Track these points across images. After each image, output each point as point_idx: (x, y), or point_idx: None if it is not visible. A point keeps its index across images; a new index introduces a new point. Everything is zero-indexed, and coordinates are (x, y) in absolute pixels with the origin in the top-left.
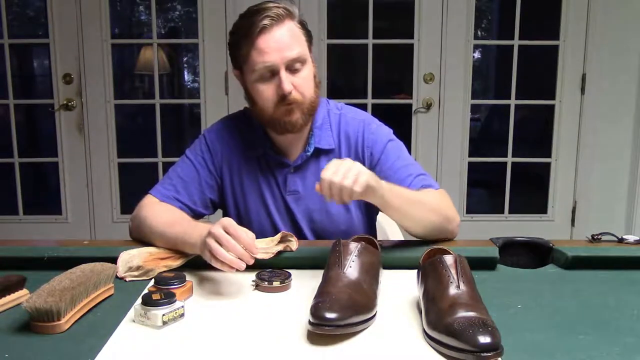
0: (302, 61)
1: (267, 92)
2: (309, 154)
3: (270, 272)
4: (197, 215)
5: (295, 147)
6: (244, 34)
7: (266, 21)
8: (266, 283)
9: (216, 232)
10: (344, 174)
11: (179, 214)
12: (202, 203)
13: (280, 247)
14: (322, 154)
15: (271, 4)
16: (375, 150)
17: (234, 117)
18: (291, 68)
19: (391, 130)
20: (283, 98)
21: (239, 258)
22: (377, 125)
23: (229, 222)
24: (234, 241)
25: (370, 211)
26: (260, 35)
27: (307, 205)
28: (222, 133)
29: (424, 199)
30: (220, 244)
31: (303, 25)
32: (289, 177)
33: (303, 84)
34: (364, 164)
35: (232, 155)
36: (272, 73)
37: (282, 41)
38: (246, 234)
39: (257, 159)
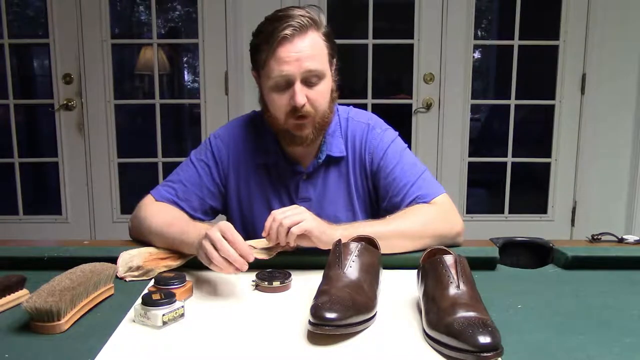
0: (320, 75)
1: (280, 101)
2: (320, 161)
3: (270, 272)
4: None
5: (308, 155)
6: (264, 39)
7: (288, 31)
8: (266, 283)
9: (212, 235)
10: (289, 216)
11: (178, 213)
12: (202, 210)
13: (280, 248)
14: (333, 161)
15: (297, 11)
16: (375, 156)
17: (243, 122)
18: (308, 81)
19: (396, 134)
20: (295, 110)
21: (232, 263)
22: (380, 130)
23: (227, 226)
24: (228, 246)
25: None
26: (281, 44)
27: (318, 212)
28: (230, 139)
29: (406, 228)
30: (216, 248)
31: (328, 37)
32: (300, 184)
33: (318, 98)
34: (366, 169)
35: (240, 162)
36: (288, 83)
37: (302, 52)
38: (242, 240)
39: (267, 166)
